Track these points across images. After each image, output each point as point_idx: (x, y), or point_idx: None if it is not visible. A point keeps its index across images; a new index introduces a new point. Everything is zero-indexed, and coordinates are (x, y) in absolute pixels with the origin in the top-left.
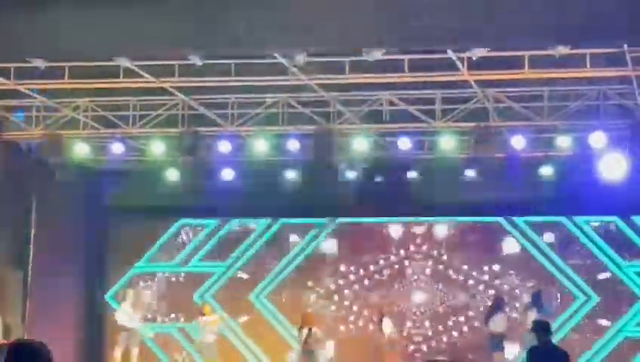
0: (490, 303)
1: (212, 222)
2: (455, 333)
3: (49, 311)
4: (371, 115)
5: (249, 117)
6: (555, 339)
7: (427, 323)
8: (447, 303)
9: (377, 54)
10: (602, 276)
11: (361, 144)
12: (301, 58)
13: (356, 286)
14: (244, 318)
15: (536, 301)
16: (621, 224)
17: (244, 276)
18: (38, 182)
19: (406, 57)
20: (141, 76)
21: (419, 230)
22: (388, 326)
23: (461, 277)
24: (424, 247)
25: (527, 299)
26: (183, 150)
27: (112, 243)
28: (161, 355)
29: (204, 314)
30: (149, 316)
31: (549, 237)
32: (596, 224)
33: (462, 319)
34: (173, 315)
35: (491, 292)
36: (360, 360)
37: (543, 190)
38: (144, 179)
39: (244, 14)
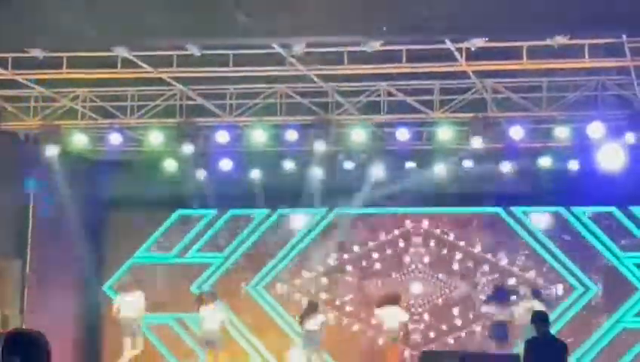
0: (490, 291)
1: (210, 213)
2: (453, 322)
3: (47, 301)
4: (369, 105)
5: (247, 107)
6: (554, 330)
7: (425, 314)
8: (447, 293)
9: (375, 45)
10: (601, 267)
11: (359, 135)
12: (299, 48)
13: (355, 276)
14: (241, 309)
15: (536, 292)
16: (619, 214)
17: (242, 267)
18: (36, 172)
19: (404, 48)
20: (139, 66)
21: (417, 220)
22: (390, 317)
23: (460, 267)
24: (422, 238)
25: (525, 290)
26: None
27: (110, 233)
28: (160, 346)
29: (204, 303)
30: (149, 306)
31: (547, 227)
32: (594, 214)
33: (460, 309)
34: (171, 306)
35: (488, 279)
36: (359, 352)
37: (542, 180)
38: (142, 170)
39: (244, 4)
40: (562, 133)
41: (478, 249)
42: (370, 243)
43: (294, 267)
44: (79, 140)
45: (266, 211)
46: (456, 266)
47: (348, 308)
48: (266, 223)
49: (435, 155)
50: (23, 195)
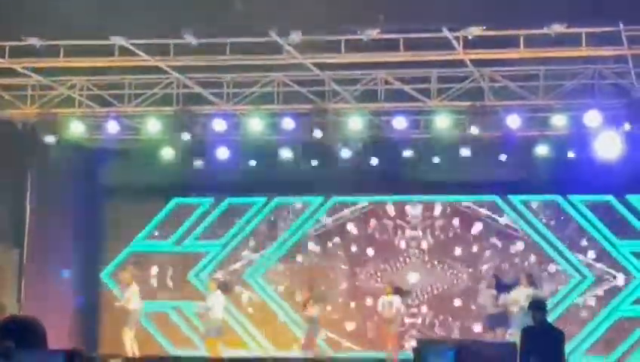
0: (486, 282)
1: (207, 201)
2: (450, 312)
3: (45, 290)
4: (367, 94)
5: (244, 96)
6: (551, 318)
7: (422, 302)
8: (444, 282)
9: (372, 33)
10: (597, 255)
11: (356, 123)
12: (296, 37)
13: (352, 265)
14: (238, 296)
15: (532, 280)
16: (616, 203)
17: (239, 255)
18: (33, 160)
19: (401, 36)
20: (137, 55)
21: (414, 209)
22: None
23: (457, 256)
24: (420, 226)
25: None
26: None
27: (107, 221)
28: (157, 334)
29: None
30: (147, 295)
31: (544, 215)
32: (591, 202)
33: (458, 298)
34: (168, 294)
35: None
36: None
37: (539, 169)
38: (139, 158)
39: None
40: (559, 121)
41: (474, 237)
42: (368, 232)
43: (292, 255)
44: (76, 128)
45: (262, 199)
46: (453, 255)
47: (346, 297)
48: (263, 211)
49: (433, 144)
50: (20, 184)
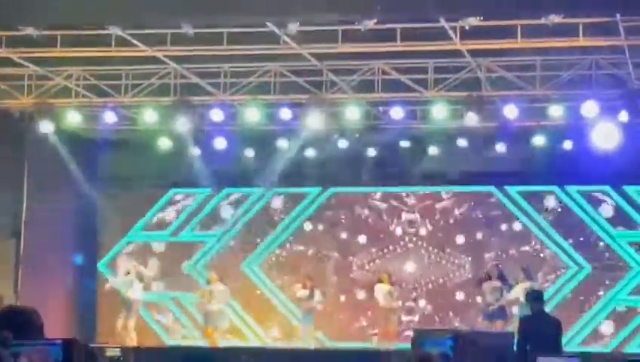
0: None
1: (204, 191)
2: (447, 303)
3: (42, 280)
4: (364, 84)
5: (241, 86)
6: (548, 308)
7: (418, 290)
8: (440, 273)
9: (370, 23)
10: (594, 245)
11: (353, 113)
12: (293, 27)
13: (349, 256)
14: (235, 287)
15: (528, 272)
16: (613, 193)
17: (237, 245)
18: (30, 151)
19: (398, 26)
20: (133, 45)
21: (411, 199)
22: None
23: (453, 246)
24: (417, 216)
25: (518, 269)
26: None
27: (104, 212)
28: (154, 324)
29: (209, 283)
30: (145, 285)
31: (541, 206)
32: (588, 193)
33: (455, 288)
34: (165, 285)
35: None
36: (354, 327)
37: (536, 159)
38: (136, 148)
39: None
40: (556, 111)
41: (471, 228)
42: (364, 223)
43: (288, 245)
44: (73, 119)
45: (260, 190)
46: (450, 245)
47: (344, 286)
48: (261, 202)
49: (430, 134)
50: (17, 174)
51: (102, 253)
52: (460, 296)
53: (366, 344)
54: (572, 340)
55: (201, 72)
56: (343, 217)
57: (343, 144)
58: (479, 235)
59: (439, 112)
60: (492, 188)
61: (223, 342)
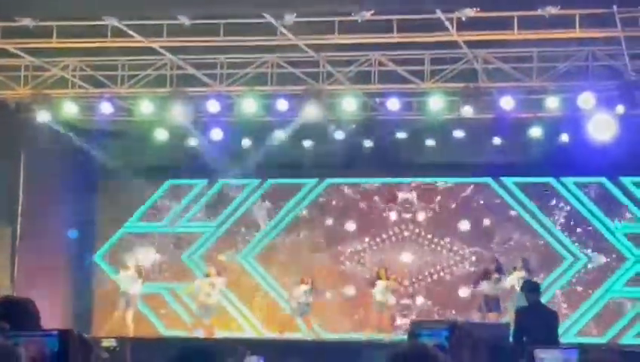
0: (480, 266)
1: (201, 182)
2: (443, 295)
3: (38, 270)
4: (360, 75)
5: (238, 77)
6: (544, 299)
7: (415, 284)
8: (437, 264)
9: (366, 14)
10: (591, 236)
11: (350, 104)
12: (290, 18)
13: (345, 247)
14: (232, 278)
15: (525, 262)
16: (609, 184)
17: (233, 236)
18: (26, 141)
19: (395, 18)
20: (130, 36)
21: (407, 191)
22: (380, 289)
23: (450, 238)
24: (413, 208)
25: (516, 261)
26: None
27: (101, 203)
28: (151, 315)
29: (208, 275)
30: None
31: (537, 197)
32: (584, 184)
33: (450, 280)
34: (162, 276)
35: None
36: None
37: (532, 151)
38: (133, 139)
39: None
40: (553, 103)
41: (467, 219)
42: (361, 214)
43: (285, 236)
44: (70, 109)
45: (256, 181)
46: (446, 237)
47: (341, 277)
48: (257, 193)
49: (426, 125)
50: (14, 164)
51: (99, 244)
52: (463, 292)
53: (361, 336)
54: (568, 331)
55: (197, 63)
56: (338, 208)
57: (339, 135)
58: (475, 227)
59: (436, 104)
60: (488, 180)
61: (219, 333)
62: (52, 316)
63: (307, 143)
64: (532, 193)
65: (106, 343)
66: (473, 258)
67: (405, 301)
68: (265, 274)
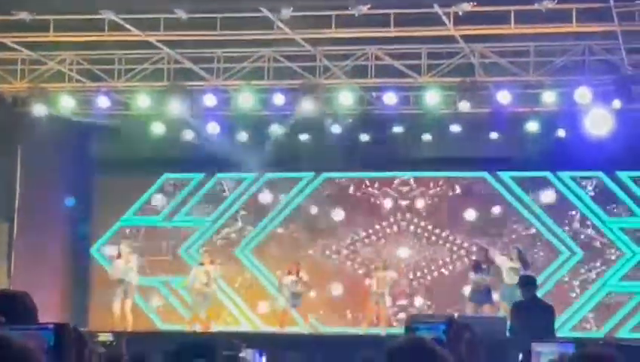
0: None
1: (198, 176)
2: (439, 289)
3: (35, 264)
4: (357, 69)
5: (235, 71)
6: (540, 293)
7: (411, 278)
8: (432, 258)
9: (363, 8)
10: (587, 231)
11: (346, 99)
12: (287, 12)
13: (341, 241)
14: (229, 272)
15: (521, 255)
16: (606, 179)
17: (229, 230)
18: (23, 135)
19: (392, 12)
20: (127, 30)
21: (404, 185)
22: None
23: (445, 232)
24: (409, 202)
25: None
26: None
27: (97, 196)
28: (147, 309)
29: (203, 264)
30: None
31: (533, 192)
32: (581, 179)
33: (446, 273)
34: (158, 270)
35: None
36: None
37: (529, 145)
38: (130, 133)
39: None
40: (549, 97)
41: (463, 213)
42: (357, 208)
43: (281, 230)
44: (67, 103)
45: (253, 175)
46: (442, 230)
47: (336, 270)
48: (253, 187)
49: (423, 120)
50: (10, 158)
51: (95, 237)
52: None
53: (358, 329)
54: (564, 325)
55: (194, 57)
56: (335, 202)
57: (336, 129)
58: (470, 220)
59: (432, 98)
60: (485, 174)
61: (216, 327)
62: (49, 310)
63: (304, 137)
64: (528, 187)
65: (102, 337)
66: (470, 250)
67: (402, 302)
68: (261, 268)
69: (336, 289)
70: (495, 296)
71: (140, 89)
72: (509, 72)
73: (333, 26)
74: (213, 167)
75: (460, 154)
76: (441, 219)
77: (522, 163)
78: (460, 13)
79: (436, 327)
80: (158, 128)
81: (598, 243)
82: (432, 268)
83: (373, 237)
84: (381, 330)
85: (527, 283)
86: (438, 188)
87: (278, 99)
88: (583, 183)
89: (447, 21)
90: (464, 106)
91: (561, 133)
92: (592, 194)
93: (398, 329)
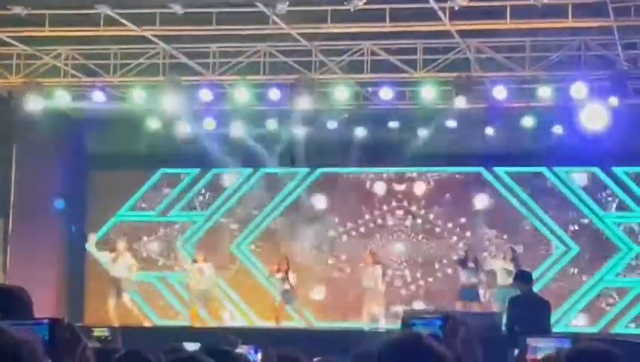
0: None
1: (193, 171)
2: (434, 284)
3: (30, 259)
4: (353, 65)
5: (230, 66)
6: (536, 289)
7: (407, 273)
8: (427, 253)
9: (359, 3)
10: (583, 226)
11: (342, 94)
12: (283, 7)
13: (336, 236)
14: (224, 268)
15: (514, 252)
16: (602, 174)
17: (225, 226)
18: (18, 129)
19: (387, 7)
20: (122, 24)
21: (399, 180)
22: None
23: (441, 228)
24: (404, 197)
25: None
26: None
27: (93, 191)
28: (143, 304)
29: (196, 262)
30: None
31: (529, 187)
32: (577, 174)
33: (443, 269)
34: (154, 264)
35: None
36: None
37: (525, 140)
38: (125, 128)
39: None
40: (545, 93)
41: (458, 208)
42: (352, 203)
43: (277, 226)
44: (62, 98)
45: (249, 170)
46: (436, 226)
47: (331, 266)
48: (249, 182)
49: (418, 115)
50: (5, 153)
51: (91, 232)
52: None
53: (354, 324)
54: (560, 320)
55: (189, 52)
56: (330, 197)
57: (331, 125)
58: (466, 216)
59: (428, 93)
60: (481, 170)
61: (211, 322)
62: (44, 305)
63: (299, 132)
64: (524, 183)
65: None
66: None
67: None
68: (257, 263)
69: (335, 284)
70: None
71: (135, 84)
72: (505, 67)
73: (329, 21)
74: (208, 161)
75: (456, 149)
76: (435, 216)
77: (518, 158)
78: (456, 8)
79: (432, 323)
80: (153, 123)
81: (594, 239)
82: (417, 254)
83: (371, 234)
84: (378, 325)
85: (523, 278)
86: (431, 186)
87: (274, 94)
88: (579, 179)
89: (442, 16)
90: (460, 101)
91: (556, 128)
92: (588, 189)
93: (395, 325)
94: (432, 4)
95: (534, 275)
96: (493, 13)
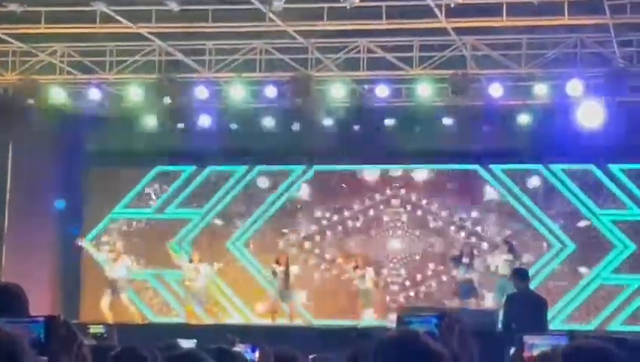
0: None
1: (189, 169)
2: (431, 281)
3: (26, 257)
4: (349, 62)
5: (226, 63)
6: (533, 286)
7: (403, 271)
8: (424, 250)
9: (355, 1)
10: (578, 224)
11: (338, 91)
12: (279, 4)
13: (332, 234)
14: (220, 265)
15: (511, 247)
16: (597, 172)
17: (221, 223)
18: (14, 127)
19: (384, 4)
20: (118, 22)
21: (396, 178)
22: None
23: (438, 225)
24: (401, 195)
25: (501, 245)
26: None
27: (88, 189)
28: (138, 302)
29: (192, 261)
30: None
31: (525, 184)
32: (573, 172)
33: (440, 266)
34: (150, 262)
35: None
36: (334, 307)
37: (521, 138)
38: (121, 125)
39: None
40: (541, 90)
41: (455, 206)
42: (349, 201)
43: (273, 223)
44: (58, 95)
45: (244, 167)
46: (432, 223)
47: (326, 264)
48: (245, 179)
49: (415, 112)
50: (1, 151)
51: (86, 230)
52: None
53: (352, 321)
54: (556, 318)
55: (185, 49)
56: (327, 194)
57: (328, 122)
58: (463, 214)
59: (424, 90)
60: (477, 167)
61: (208, 320)
62: (40, 303)
63: (295, 130)
64: (520, 180)
65: (93, 329)
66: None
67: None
68: (253, 261)
69: (332, 281)
70: (485, 292)
71: (131, 81)
72: (501, 65)
73: (325, 18)
74: (204, 159)
75: (452, 147)
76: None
77: (514, 155)
78: (452, 6)
79: (428, 321)
80: (149, 121)
81: (590, 236)
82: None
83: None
84: (375, 322)
85: (520, 276)
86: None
87: (270, 91)
88: (575, 176)
89: (438, 13)
90: (456, 99)
91: (553, 125)
92: (584, 187)
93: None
94: (429, 1)
95: (530, 272)
96: (490, 10)
